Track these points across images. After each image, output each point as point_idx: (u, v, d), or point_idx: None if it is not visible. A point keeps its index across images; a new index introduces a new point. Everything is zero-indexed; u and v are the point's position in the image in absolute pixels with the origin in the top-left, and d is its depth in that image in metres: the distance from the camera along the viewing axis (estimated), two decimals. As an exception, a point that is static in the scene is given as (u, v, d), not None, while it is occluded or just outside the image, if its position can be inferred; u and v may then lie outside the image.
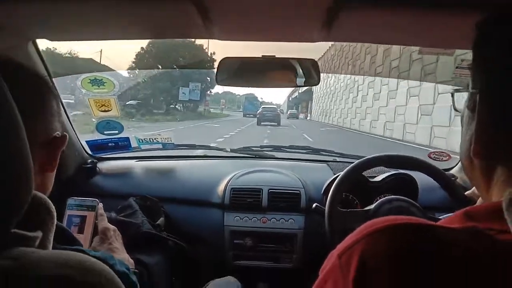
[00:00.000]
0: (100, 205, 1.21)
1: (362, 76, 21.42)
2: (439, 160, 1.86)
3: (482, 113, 0.48)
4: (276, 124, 22.10)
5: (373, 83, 20.40)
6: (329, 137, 15.35)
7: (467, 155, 0.53)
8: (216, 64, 1.24)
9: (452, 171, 1.81)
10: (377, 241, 0.44)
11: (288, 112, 47.00)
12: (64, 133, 0.72)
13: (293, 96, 61.05)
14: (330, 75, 31.94)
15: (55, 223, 0.59)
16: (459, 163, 1.79)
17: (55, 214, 0.59)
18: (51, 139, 0.69)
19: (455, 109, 0.63)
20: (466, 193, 1.28)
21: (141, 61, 25.57)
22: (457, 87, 0.60)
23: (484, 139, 0.49)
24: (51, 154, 0.70)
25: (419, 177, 1.58)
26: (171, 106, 26.04)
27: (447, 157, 1.85)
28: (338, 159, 2.10)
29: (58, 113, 0.73)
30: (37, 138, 0.66)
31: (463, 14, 0.78)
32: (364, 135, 18.14)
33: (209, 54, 27.58)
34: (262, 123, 21.85)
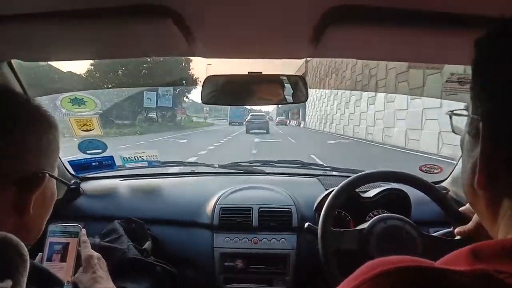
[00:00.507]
0: (83, 230, 1.14)
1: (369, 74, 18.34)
2: (430, 173, 1.84)
3: (487, 142, 0.43)
4: (265, 131, 21.90)
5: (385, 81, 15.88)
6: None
7: (469, 183, 0.48)
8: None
9: (444, 184, 1.79)
10: (381, 285, 0.40)
11: (277, 119, 46.29)
12: (43, 171, 0.64)
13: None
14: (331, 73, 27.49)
15: (28, 266, 0.53)
16: (451, 175, 1.77)
17: (27, 257, 0.54)
18: (27, 178, 0.62)
19: (454, 132, 0.59)
20: (460, 209, 1.26)
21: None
22: (455, 110, 0.56)
23: (490, 170, 0.44)
24: (23, 195, 0.62)
25: (411, 191, 1.54)
26: (144, 115, 21.44)
27: (439, 170, 1.83)
28: (329, 173, 2.06)
29: (46, 148, 0.65)
30: (10, 175, 0.60)
31: (454, 31, 0.75)
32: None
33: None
34: (251, 131, 21.58)
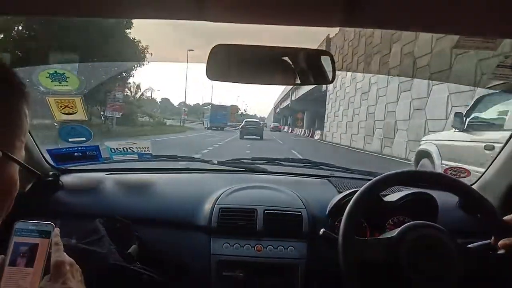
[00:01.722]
0: (56, 230, 0.94)
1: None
2: (456, 177, 1.65)
3: None
4: (259, 138, 22.03)
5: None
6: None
7: None
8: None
9: (471, 189, 1.61)
10: None
11: (271, 125, 44.39)
12: (3, 151, 0.56)
13: (281, 107, 48.98)
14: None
15: None
16: (480, 180, 1.59)
17: None
18: None
19: None
20: (504, 218, 1.08)
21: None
22: None
23: None
24: None
25: (435, 195, 1.39)
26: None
27: (466, 174, 1.65)
28: (339, 174, 1.88)
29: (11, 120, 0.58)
30: None
31: None
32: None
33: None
34: (245, 137, 21.69)
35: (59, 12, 0.92)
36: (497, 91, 4.60)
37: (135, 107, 23.41)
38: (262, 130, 23.90)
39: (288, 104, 43.90)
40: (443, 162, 5.08)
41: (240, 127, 24.77)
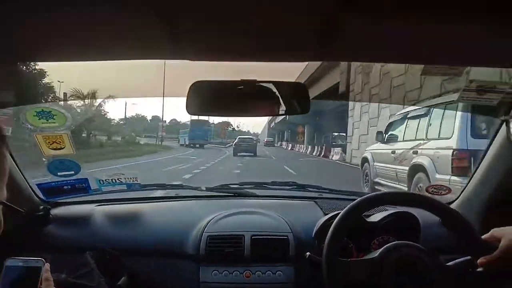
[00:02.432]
0: (47, 265, 0.96)
1: None
2: (438, 194, 1.70)
3: None
4: (252, 154, 21.76)
5: None
6: None
7: None
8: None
9: (452, 206, 1.65)
10: None
11: (265, 140, 41.68)
12: None
13: (276, 121, 43.23)
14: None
15: None
16: (461, 197, 1.63)
17: None
18: None
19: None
20: (483, 237, 1.12)
21: None
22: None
23: None
24: None
25: (418, 213, 1.42)
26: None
27: (447, 191, 1.69)
28: (325, 195, 1.91)
29: None
30: None
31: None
32: None
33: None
34: (238, 154, 21.36)
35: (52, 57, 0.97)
36: (400, 117, 7.01)
37: (86, 121, 18.60)
38: (255, 147, 23.59)
39: (286, 118, 37.65)
40: (375, 164, 7.33)
41: (233, 144, 24.12)
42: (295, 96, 1.11)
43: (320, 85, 20.87)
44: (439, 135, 5.34)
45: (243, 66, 1.09)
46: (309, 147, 26.34)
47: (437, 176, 5.05)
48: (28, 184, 1.53)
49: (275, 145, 42.33)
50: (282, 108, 1.10)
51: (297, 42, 0.85)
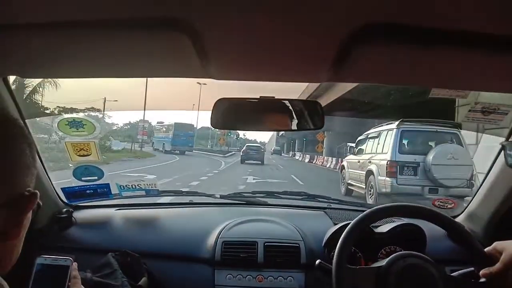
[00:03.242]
0: (75, 264, 1.03)
1: None
2: (444, 208, 1.75)
3: None
4: (259, 162, 21.69)
5: None
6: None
7: None
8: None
9: (458, 219, 1.70)
10: None
11: (272, 149, 41.04)
12: (35, 190, 0.60)
13: (281, 133, 35.94)
14: None
15: None
16: (466, 210, 1.69)
17: None
18: (15, 199, 0.57)
19: (509, 165, 0.52)
20: (486, 249, 1.17)
21: None
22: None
23: None
24: (15, 217, 0.57)
25: (425, 226, 1.47)
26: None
27: (452, 205, 1.75)
28: (334, 205, 1.97)
29: (31, 164, 0.62)
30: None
31: (501, 56, 0.68)
32: None
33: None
34: (246, 162, 21.29)
35: (81, 74, 1.04)
36: (364, 137, 9.35)
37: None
38: (263, 155, 23.44)
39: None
40: (349, 170, 9.56)
41: (241, 151, 23.86)
42: (310, 113, 1.19)
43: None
44: (382, 151, 7.81)
45: (247, 83, 1.17)
46: (332, 160, 21.12)
47: (379, 177, 7.51)
48: (53, 187, 1.62)
49: (283, 154, 41.25)
50: (297, 123, 1.18)
51: (313, 65, 0.92)
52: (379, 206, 1.29)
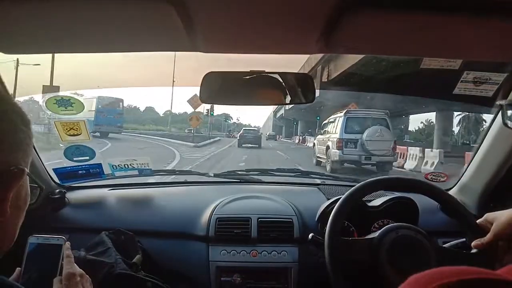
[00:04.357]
0: (67, 244, 1.03)
1: None
2: (436, 181, 1.76)
3: None
4: (257, 146, 21.60)
5: None
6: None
7: None
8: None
9: (450, 192, 1.71)
10: None
11: (267, 134, 38.80)
12: (21, 167, 0.59)
13: (287, 108, 33.99)
14: None
15: None
16: (459, 183, 1.70)
17: None
18: (2, 173, 0.56)
19: (506, 126, 0.51)
20: (478, 221, 1.18)
21: None
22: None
23: None
24: (1, 192, 0.57)
25: (417, 199, 1.48)
26: None
27: (445, 178, 1.76)
28: (328, 182, 1.98)
29: (23, 142, 0.61)
30: None
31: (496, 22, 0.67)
32: None
33: None
34: (243, 145, 21.21)
35: (64, 48, 1.02)
36: (327, 121, 12.89)
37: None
38: (260, 138, 23.40)
39: (292, 107, 29.20)
40: (317, 146, 12.60)
41: (238, 135, 23.94)
42: (301, 87, 1.17)
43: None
44: (335, 131, 11.11)
45: (244, 57, 1.14)
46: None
47: (333, 150, 10.69)
48: (45, 168, 1.61)
49: (283, 139, 39.13)
50: (289, 97, 1.17)
51: (302, 36, 0.90)
52: (371, 179, 1.29)
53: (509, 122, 0.49)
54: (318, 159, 12.19)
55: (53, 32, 0.86)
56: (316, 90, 1.16)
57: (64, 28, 0.83)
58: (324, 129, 12.47)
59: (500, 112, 1.22)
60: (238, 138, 23.15)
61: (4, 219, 0.58)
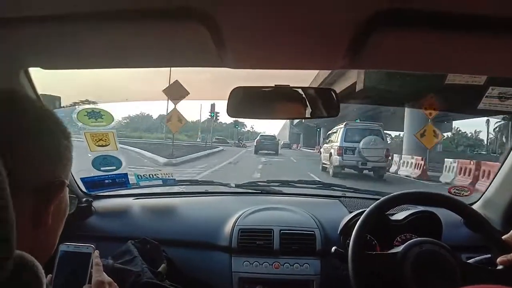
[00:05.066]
0: (96, 252, 1.06)
1: None
2: (459, 195, 1.74)
3: None
4: (274, 153, 21.52)
5: None
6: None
7: None
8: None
9: (474, 206, 1.69)
10: None
11: (282, 142, 36.25)
12: (61, 179, 0.61)
13: (294, 124, 38.59)
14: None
15: None
16: (483, 197, 1.68)
17: (44, 279, 0.49)
18: (44, 186, 0.58)
19: None
20: (504, 237, 1.17)
21: None
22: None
23: None
24: (43, 204, 0.58)
25: (441, 213, 1.47)
26: None
27: (468, 192, 1.74)
28: (349, 194, 1.98)
29: (64, 156, 0.63)
30: (28, 183, 0.56)
31: None
32: None
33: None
34: (260, 151, 21.13)
35: (101, 65, 1.07)
36: (330, 132, 14.60)
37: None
38: (277, 145, 23.27)
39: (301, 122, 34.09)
40: (323, 154, 13.98)
41: (255, 141, 23.65)
42: (325, 100, 1.19)
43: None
44: (336, 140, 12.39)
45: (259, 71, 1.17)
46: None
47: (334, 157, 11.97)
48: (73, 177, 1.66)
49: (303, 149, 36.83)
50: (312, 111, 1.19)
51: (328, 53, 0.92)
52: (394, 194, 1.29)
53: None
54: (323, 165, 13.48)
55: (91, 50, 0.90)
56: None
57: (102, 47, 0.87)
58: (329, 138, 14.13)
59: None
60: (255, 144, 22.94)
61: (46, 229, 0.60)
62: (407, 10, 0.66)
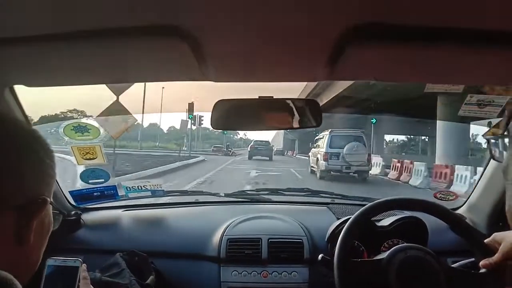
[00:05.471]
0: (84, 266, 1.06)
1: None
2: (445, 200, 1.77)
3: None
4: (268, 158, 21.52)
5: None
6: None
7: None
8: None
9: (459, 211, 1.72)
10: None
11: (275, 149, 34.93)
12: (43, 197, 0.62)
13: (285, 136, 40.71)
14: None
15: None
16: (468, 202, 1.71)
17: None
18: (26, 203, 0.59)
19: (493, 158, 0.54)
20: (485, 241, 1.19)
21: None
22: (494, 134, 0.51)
23: None
24: (25, 221, 0.59)
25: (427, 218, 1.49)
26: None
27: (454, 197, 1.77)
28: (338, 201, 1.99)
29: (47, 173, 0.64)
30: (10, 200, 0.57)
31: (490, 50, 0.70)
32: None
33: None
34: (254, 157, 21.19)
35: (84, 81, 1.08)
36: (318, 137, 15.60)
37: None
38: (271, 151, 23.25)
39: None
40: (311, 157, 15.41)
41: (249, 147, 23.65)
42: (308, 111, 1.21)
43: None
44: (323, 146, 13.35)
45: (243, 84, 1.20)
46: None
47: (320, 161, 12.98)
48: (61, 190, 1.66)
49: (298, 156, 36.80)
50: (296, 121, 1.21)
51: (309, 65, 0.94)
52: (379, 200, 1.31)
53: (496, 155, 0.52)
54: (311, 168, 14.82)
55: (74, 67, 0.92)
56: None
57: (86, 64, 0.89)
58: (316, 143, 15.13)
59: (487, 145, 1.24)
60: (248, 150, 22.92)
61: (28, 247, 0.60)
62: (378, 24, 0.68)
